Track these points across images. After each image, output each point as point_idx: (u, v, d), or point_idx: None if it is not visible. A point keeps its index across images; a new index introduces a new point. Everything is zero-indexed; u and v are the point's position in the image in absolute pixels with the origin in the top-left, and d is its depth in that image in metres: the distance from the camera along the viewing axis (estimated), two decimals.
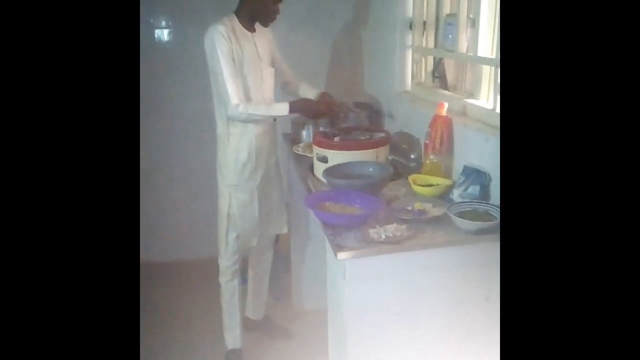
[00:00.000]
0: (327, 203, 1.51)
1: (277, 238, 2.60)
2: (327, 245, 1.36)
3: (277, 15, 2.00)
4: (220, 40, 1.85)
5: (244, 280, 2.32)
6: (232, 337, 2.23)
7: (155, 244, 3.01)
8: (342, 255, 1.25)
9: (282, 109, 1.99)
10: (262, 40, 2.02)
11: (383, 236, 1.29)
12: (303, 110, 2.04)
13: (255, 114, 1.93)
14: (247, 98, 1.95)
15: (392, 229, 1.32)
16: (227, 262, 2.16)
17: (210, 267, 2.90)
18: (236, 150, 2.02)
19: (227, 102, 1.90)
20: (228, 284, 2.19)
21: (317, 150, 1.84)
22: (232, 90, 1.88)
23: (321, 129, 2.15)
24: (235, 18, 1.94)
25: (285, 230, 2.33)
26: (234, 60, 1.88)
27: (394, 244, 1.28)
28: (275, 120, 2.09)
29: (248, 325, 2.38)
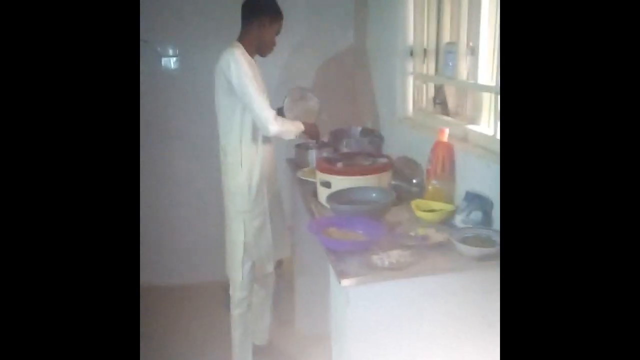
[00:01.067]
0: (331, 229, 1.53)
1: (281, 262, 2.61)
2: (331, 271, 1.37)
3: (274, 47, 2.09)
4: (242, 61, 1.91)
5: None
6: None
7: (158, 266, 3.01)
8: (345, 282, 1.25)
9: (300, 127, 2.10)
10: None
11: (387, 262, 1.30)
12: (311, 133, 2.19)
13: (288, 128, 2.02)
14: None
15: (395, 255, 1.33)
16: (241, 293, 2.14)
17: (210, 291, 2.92)
18: (249, 175, 2.05)
19: (264, 117, 1.94)
20: (243, 316, 2.17)
21: (321, 176, 1.87)
22: (268, 106, 1.95)
23: (324, 154, 2.18)
24: (242, 46, 1.99)
25: (288, 254, 2.35)
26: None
27: (397, 270, 1.29)
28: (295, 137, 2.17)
29: (252, 351, 2.37)
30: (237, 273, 2.12)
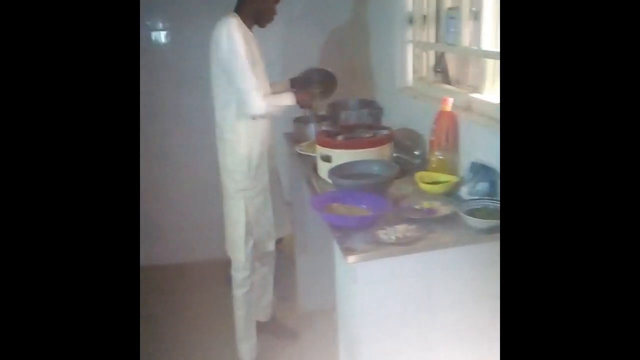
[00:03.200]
0: (334, 204, 1.49)
1: (281, 239, 2.58)
2: (336, 248, 1.33)
3: (275, 16, 1.98)
4: (236, 34, 1.80)
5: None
6: (248, 347, 2.19)
7: (156, 246, 2.97)
8: (352, 258, 1.22)
9: (290, 98, 1.98)
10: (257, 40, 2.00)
11: (393, 237, 1.27)
12: (303, 102, 2.07)
13: (275, 106, 1.90)
14: None
15: (402, 230, 1.30)
16: (243, 273, 2.10)
17: (210, 269, 2.90)
18: (249, 152, 1.98)
19: (247, 97, 1.84)
20: (246, 295, 2.13)
21: (321, 150, 1.82)
22: (255, 84, 1.83)
23: (324, 127, 2.13)
24: (238, 17, 1.90)
25: (289, 232, 2.32)
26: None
27: (405, 245, 1.25)
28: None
29: (256, 328, 2.36)
30: (240, 253, 2.07)
